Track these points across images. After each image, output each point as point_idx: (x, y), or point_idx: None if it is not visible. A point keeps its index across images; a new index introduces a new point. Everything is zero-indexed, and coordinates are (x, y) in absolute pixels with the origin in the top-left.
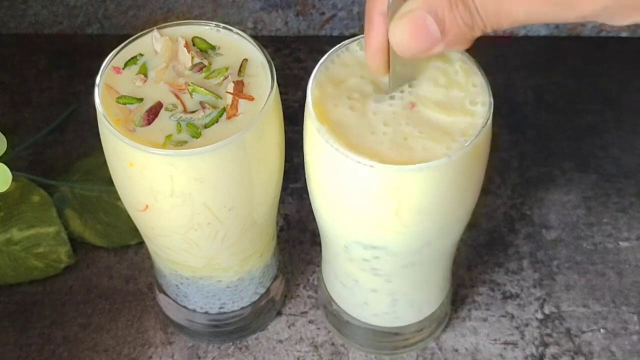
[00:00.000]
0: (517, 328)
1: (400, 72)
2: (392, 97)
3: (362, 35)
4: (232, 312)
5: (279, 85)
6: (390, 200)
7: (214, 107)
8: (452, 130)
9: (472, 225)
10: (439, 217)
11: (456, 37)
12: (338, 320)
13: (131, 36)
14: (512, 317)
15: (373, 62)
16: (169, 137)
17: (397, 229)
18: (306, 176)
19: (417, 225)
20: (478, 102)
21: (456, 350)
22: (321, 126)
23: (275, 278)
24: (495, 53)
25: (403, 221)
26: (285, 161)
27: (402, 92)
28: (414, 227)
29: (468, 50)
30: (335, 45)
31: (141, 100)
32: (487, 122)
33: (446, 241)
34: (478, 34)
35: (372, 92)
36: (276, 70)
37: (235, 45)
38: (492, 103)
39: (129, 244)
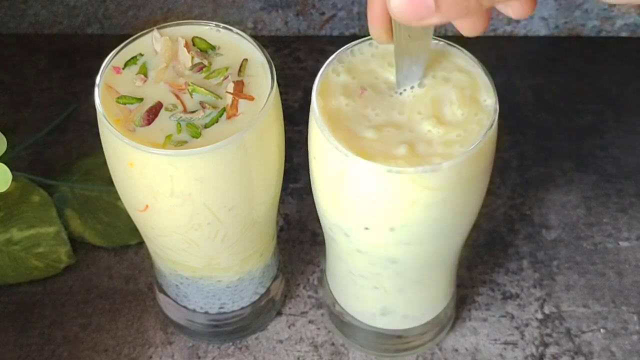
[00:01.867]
0: (517, 328)
1: (405, 45)
2: (399, 95)
3: (369, 37)
4: (232, 312)
5: (279, 85)
6: (392, 201)
7: (214, 107)
8: (456, 132)
9: (472, 225)
10: (442, 220)
11: (451, 7)
12: (341, 321)
13: (131, 36)
14: (512, 317)
15: (374, 28)
16: (169, 137)
17: (400, 231)
18: (309, 171)
19: (420, 227)
20: (483, 103)
21: (456, 350)
22: (325, 126)
23: (275, 278)
24: (495, 53)
25: (406, 223)
26: (285, 161)
27: (412, 89)
28: (417, 229)
29: (466, 47)
30: (335, 45)
31: (141, 100)
32: (492, 124)
33: (450, 244)
34: (474, 5)
35: (375, 92)
36: (276, 70)
37: (235, 45)
38: (498, 107)
39: (129, 244)
